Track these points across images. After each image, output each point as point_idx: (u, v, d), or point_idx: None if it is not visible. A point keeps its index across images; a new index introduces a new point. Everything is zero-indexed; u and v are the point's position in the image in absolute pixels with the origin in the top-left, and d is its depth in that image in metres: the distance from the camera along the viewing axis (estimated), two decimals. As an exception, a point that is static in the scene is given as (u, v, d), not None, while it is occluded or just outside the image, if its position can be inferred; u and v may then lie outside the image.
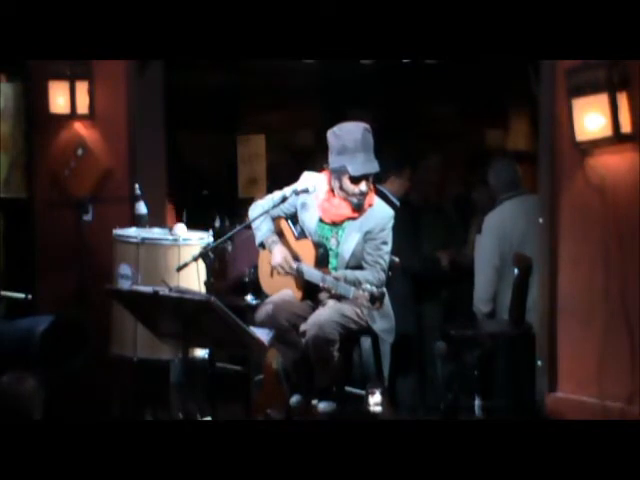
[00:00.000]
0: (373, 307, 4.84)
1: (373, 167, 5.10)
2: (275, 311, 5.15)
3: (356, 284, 4.90)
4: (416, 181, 6.54)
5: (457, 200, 7.02)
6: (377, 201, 5.25)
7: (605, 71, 4.62)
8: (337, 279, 4.96)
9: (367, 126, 5.11)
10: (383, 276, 5.15)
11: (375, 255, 5.14)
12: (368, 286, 4.82)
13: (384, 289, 4.97)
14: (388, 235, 5.18)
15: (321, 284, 5.02)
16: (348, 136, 5.08)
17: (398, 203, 6.32)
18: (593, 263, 4.81)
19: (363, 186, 5.10)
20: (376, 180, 5.97)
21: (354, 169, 5.06)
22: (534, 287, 5.36)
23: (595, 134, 4.71)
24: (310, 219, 5.27)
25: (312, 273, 5.10)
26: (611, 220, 4.72)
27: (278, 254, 5.22)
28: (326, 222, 5.23)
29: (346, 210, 5.17)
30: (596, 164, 4.78)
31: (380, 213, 5.20)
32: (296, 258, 5.23)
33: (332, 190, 5.20)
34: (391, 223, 5.20)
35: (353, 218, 5.17)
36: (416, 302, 6.34)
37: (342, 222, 5.19)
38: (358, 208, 5.15)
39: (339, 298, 5.06)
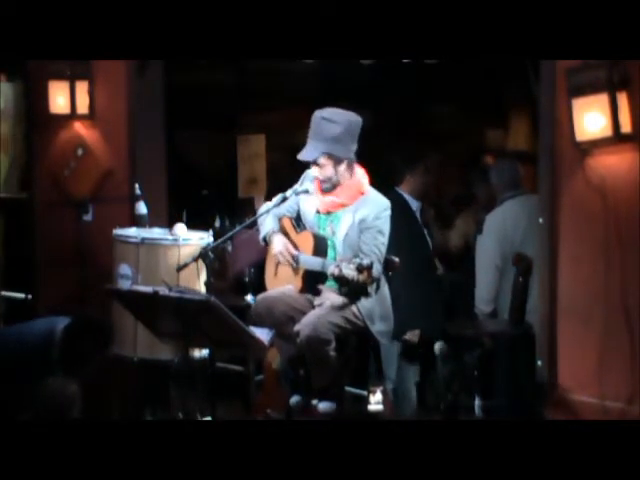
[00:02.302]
0: (361, 277, 4.79)
1: (306, 155, 5.13)
2: (272, 304, 5.18)
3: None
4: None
5: (457, 200, 7.02)
6: (371, 190, 5.24)
7: (605, 71, 4.62)
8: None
9: (326, 114, 5.10)
10: (379, 267, 5.10)
11: (371, 245, 5.11)
12: (357, 259, 4.82)
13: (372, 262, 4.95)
14: (384, 224, 5.16)
15: (321, 270, 5.05)
16: (311, 124, 5.15)
17: (417, 204, 6.28)
18: (593, 263, 4.81)
19: (314, 171, 5.16)
20: (393, 182, 6.00)
21: (299, 155, 5.17)
22: (534, 287, 5.36)
23: (595, 134, 4.71)
24: (309, 212, 5.31)
25: (313, 261, 5.13)
26: (611, 220, 4.72)
27: (278, 242, 5.25)
28: (322, 213, 5.26)
29: (328, 197, 5.20)
30: (596, 164, 4.78)
31: (373, 201, 5.20)
32: (296, 249, 5.24)
33: None
34: (387, 213, 5.17)
35: (345, 205, 5.17)
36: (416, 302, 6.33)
37: (336, 210, 5.21)
38: (327, 190, 5.17)
39: (338, 297, 5.08)
